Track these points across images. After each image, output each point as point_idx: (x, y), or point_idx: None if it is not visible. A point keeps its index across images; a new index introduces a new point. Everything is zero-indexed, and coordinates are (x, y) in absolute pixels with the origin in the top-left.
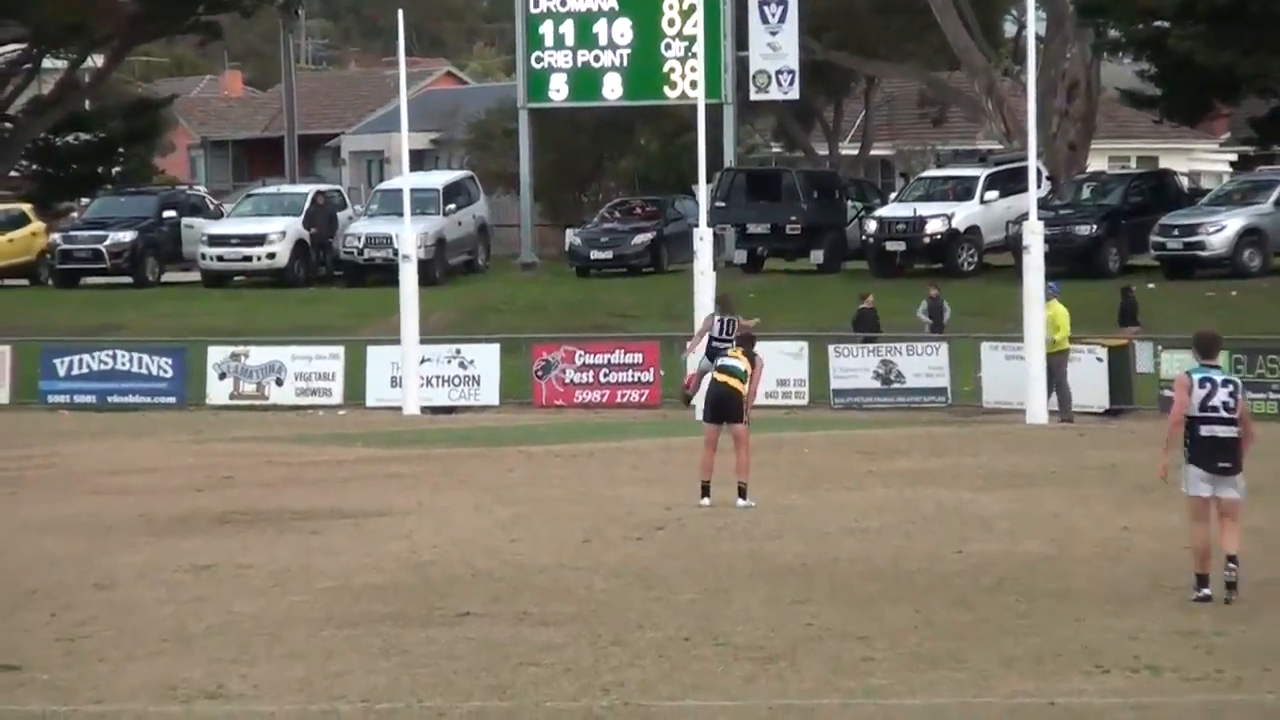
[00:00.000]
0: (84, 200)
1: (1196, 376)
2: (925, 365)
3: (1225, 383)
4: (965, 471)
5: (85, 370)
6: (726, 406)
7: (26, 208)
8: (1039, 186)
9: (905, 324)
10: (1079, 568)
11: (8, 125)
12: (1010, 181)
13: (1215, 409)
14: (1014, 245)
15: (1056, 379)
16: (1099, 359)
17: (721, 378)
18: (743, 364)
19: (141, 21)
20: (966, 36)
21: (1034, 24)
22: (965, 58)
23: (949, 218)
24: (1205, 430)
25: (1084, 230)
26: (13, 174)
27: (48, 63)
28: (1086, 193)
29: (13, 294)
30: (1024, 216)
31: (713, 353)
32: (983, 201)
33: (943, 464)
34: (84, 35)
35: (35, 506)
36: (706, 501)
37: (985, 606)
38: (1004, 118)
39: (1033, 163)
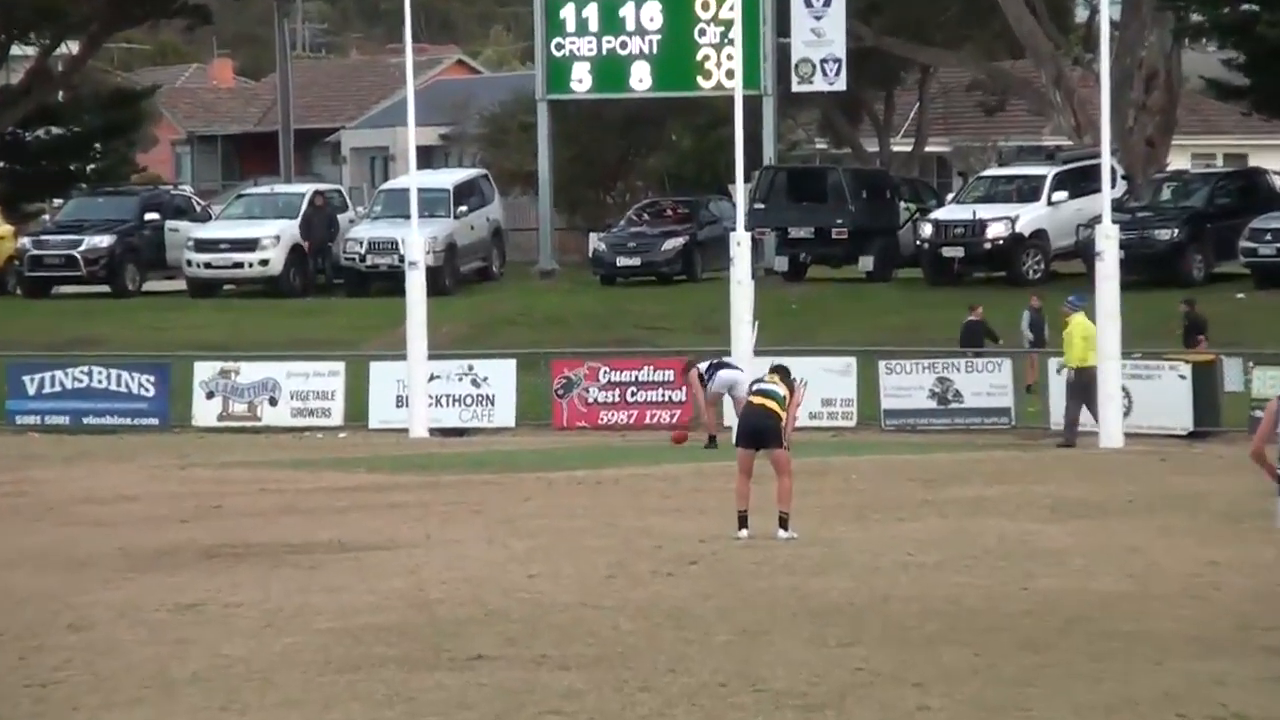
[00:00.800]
0: (57, 201)
1: None
2: (986, 383)
3: None
4: (1031, 500)
5: (58, 389)
6: (763, 432)
7: None
8: (1113, 186)
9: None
10: (1159, 606)
11: None
12: (1081, 181)
13: None
14: (1085, 251)
15: (1086, 398)
16: (1182, 376)
17: (758, 400)
18: (781, 389)
19: (122, 4)
20: (1032, 21)
21: (1108, 7)
22: (1030, 44)
23: (1012, 221)
24: None
25: (1164, 235)
26: None
27: (17, 49)
28: (1167, 193)
29: None
30: (1096, 220)
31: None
32: (1050, 203)
33: (1006, 492)
34: (58, 19)
35: (2, 539)
36: (744, 533)
37: (1054, 649)
38: (1074, 111)
39: (1106, 160)
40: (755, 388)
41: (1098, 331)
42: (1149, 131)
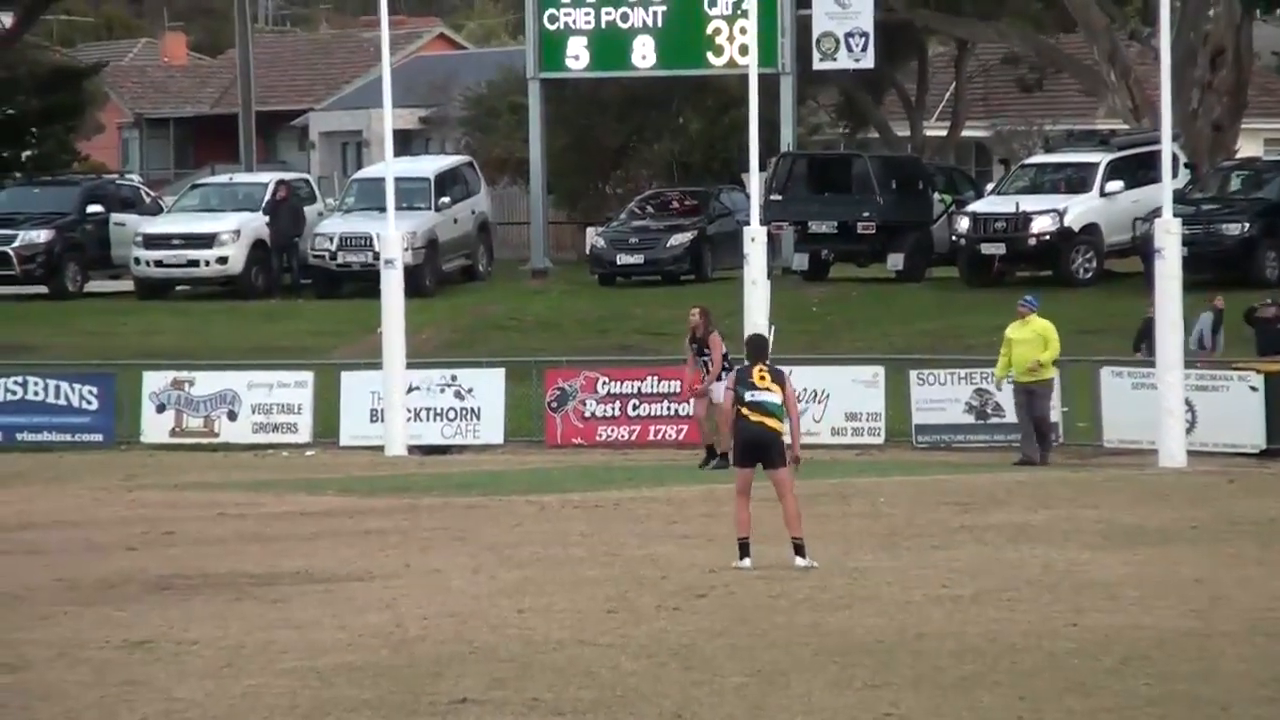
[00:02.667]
0: None
1: None
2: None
3: None
4: (1081, 526)
5: None
6: (766, 447)
7: None
8: (1175, 175)
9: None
10: (1226, 645)
11: None
12: (1138, 169)
13: None
14: (1143, 248)
15: (1040, 412)
16: (1253, 388)
17: (756, 418)
18: (774, 394)
19: None
20: None
21: None
22: (1082, 17)
23: (1060, 214)
24: None
25: (1233, 229)
26: None
27: None
28: (1236, 183)
29: None
30: (1156, 212)
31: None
32: (1103, 194)
33: (1052, 517)
34: None
35: None
36: (747, 563)
37: (1107, 692)
38: (1130, 91)
39: (1167, 146)
40: (747, 399)
41: (1158, 337)
42: (1215, 114)
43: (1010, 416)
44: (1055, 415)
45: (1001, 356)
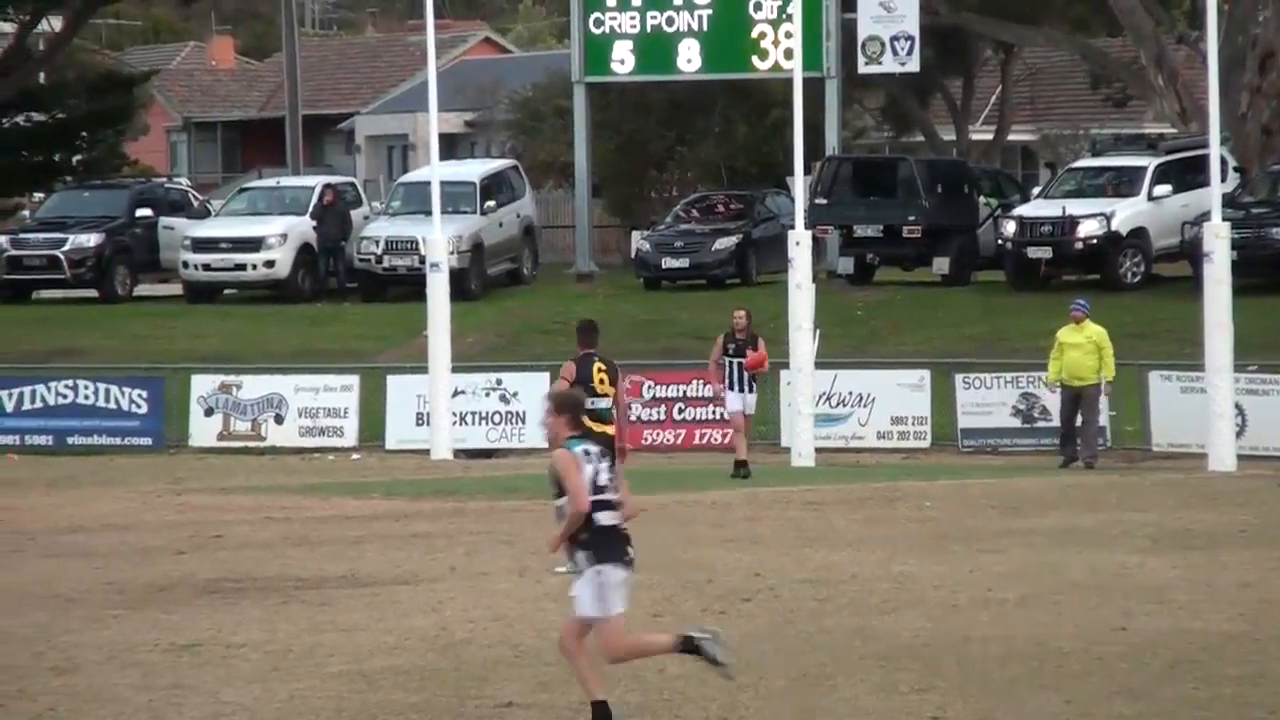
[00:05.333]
0: (38, 195)
1: None
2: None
3: None
4: (1128, 530)
5: (39, 405)
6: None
7: None
8: (1224, 179)
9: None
10: (1275, 649)
11: None
12: (1187, 173)
13: None
14: (1192, 252)
15: (1091, 414)
16: None
17: (599, 429)
18: (606, 397)
19: None
20: None
21: None
22: (1129, 21)
23: (1108, 218)
24: None
25: None
26: None
27: None
28: None
29: None
30: (1204, 216)
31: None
32: (1151, 198)
33: (1099, 521)
34: None
35: None
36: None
37: (1155, 696)
38: (1178, 95)
39: (1215, 150)
40: (588, 405)
41: (1206, 340)
42: (1265, 118)
43: (1058, 420)
44: (1103, 419)
45: (1053, 360)
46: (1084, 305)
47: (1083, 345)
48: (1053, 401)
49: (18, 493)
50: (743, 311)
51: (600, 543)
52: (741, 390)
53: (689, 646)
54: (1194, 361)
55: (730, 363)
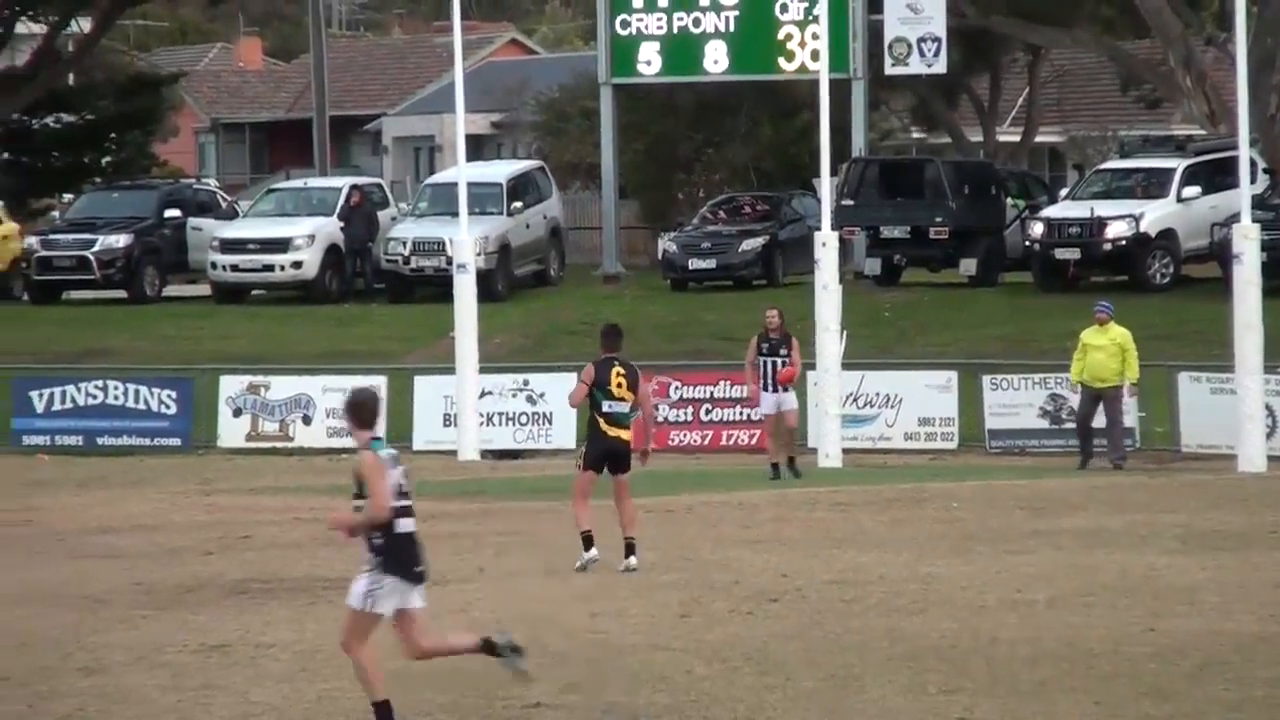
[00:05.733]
0: (67, 196)
1: None
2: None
3: None
4: (1158, 531)
5: (69, 405)
6: (617, 458)
7: None
8: (1253, 181)
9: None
10: None
11: None
12: (1216, 175)
13: None
14: (1221, 254)
15: (1115, 415)
16: None
17: (613, 432)
18: (625, 402)
19: None
20: None
21: None
22: (1157, 23)
23: (1136, 219)
24: None
25: None
26: None
27: (21, 27)
28: None
29: None
30: (1234, 218)
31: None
32: (1180, 199)
33: (1128, 522)
34: None
35: (7, 573)
36: (594, 553)
37: (1185, 697)
38: (1207, 96)
39: (1244, 151)
40: (605, 408)
41: (1236, 342)
42: None
43: None
44: (1131, 420)
45: (1076, 361)
46: (1108, 307)
47: (1106, 347)
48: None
49: (48, 493)
50: (775, 311)
51: (393, 551)
52: (775, 391)
53: (490, 648)
54: (1223, 363)
55: (764, 363)
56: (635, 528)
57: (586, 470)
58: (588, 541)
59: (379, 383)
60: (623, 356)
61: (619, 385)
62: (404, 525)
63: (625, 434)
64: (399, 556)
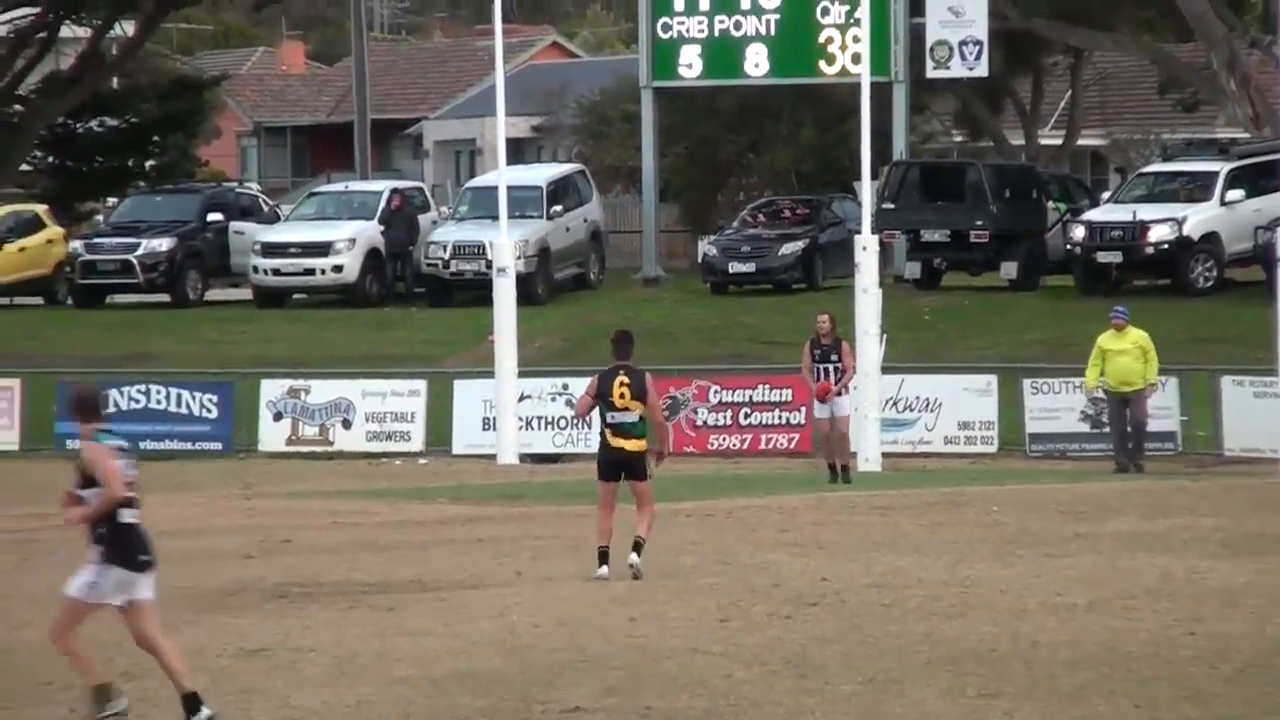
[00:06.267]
0: (111, 200)
1: None
2: (1148, 404)
3: None
4: (1199, 535)
5: (112, 409)
6: (629, 467)
7: (41, 210)
8: None
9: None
10: None
11: (17, 108)
12: (1260, 178)
13: None
14: (1265, 257)
15: (1140, 417)
16: None
17: (617, 442)
18: (634, 414)
19: None
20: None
21: None
22: (1200, 26)
23: (1179, 223)
24: None
25: None
26: (24, 168)
27: (66, 31)
28: None
29: (24, 315)
30: (1278, 221)
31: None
32: (1224, 203)
33: (1170, 525)
34: None
35: (51, 577)
36: (604, 570)
37: (1226, 700)
38: (1251, 99)
39: None
40: (609, 420)
41: (1276, 345)
42: None
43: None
44: (1174, 424)
45: (1092, 366)
46: (1124, 312)
47: (1129, 350)
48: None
49: None
50: (826, 316)
51: (117, 541)
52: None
53: (189, 704)
54: (1267, 367)
55: (818, 369)
56: (646, 530)
57: (600, 481)
58: (602, 557)
59: (419, 387)
60: (631, 364)
61: (621, 396)
62: (127, 516)
63: (632, 444)
64: (123, 547)
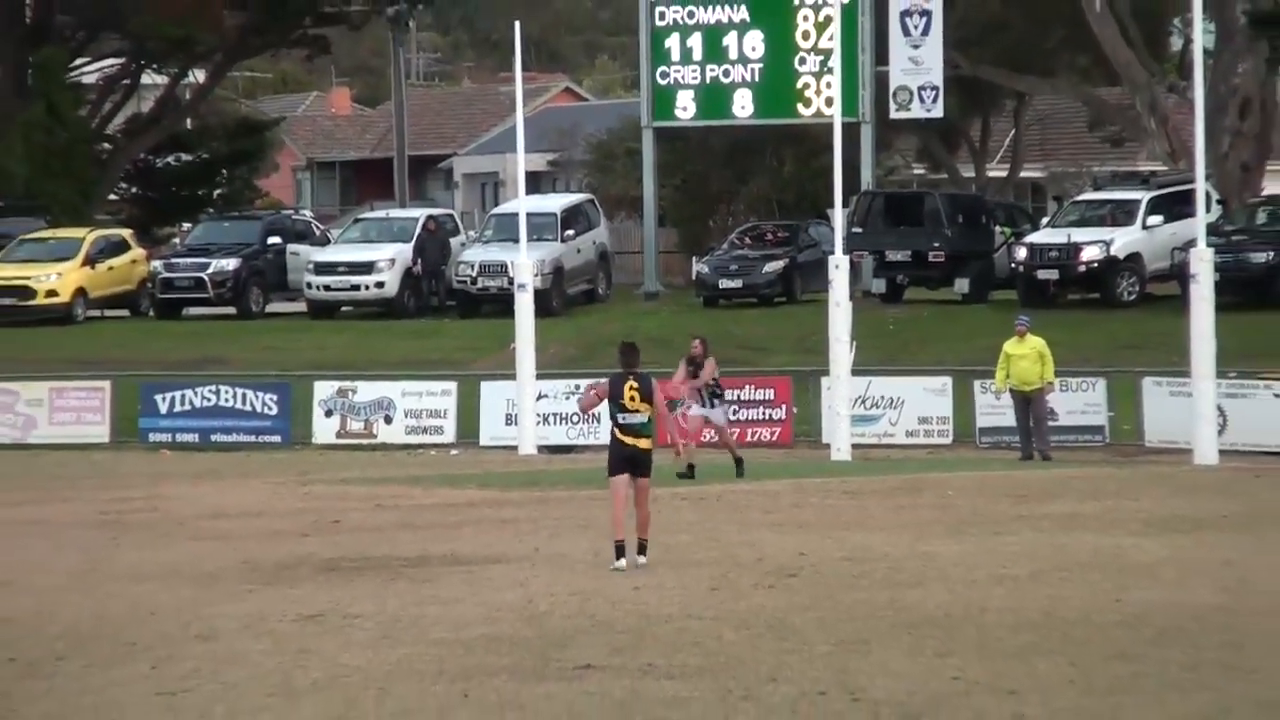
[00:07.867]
0: (186, 225)
1: None
2: (1080, 401)
3: None
4: (1124, 516)
5: (187, 407)
6: (637, 463)
7: (127, 234)
8: (1208, 210)
9: (1061, 358)
10: (1254, 620)
11: (106, 145)
12: (1176, 205)
13: None
14: (1180, 274)
15: (1041, 411)
16: (1278, 395)
17: (630, 441)
18: (643, 415)
19: (246, 35)
20: (1127, 50)
21: (1201, 37)
22: (1126, 73)
23: (1107, 244)
24: None
25: (1259, 257)
26: (111, 197)
27: (147, 78)
28: (1263, 217)
29: (113, 325)
30: (1191, 243)
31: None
32: (1145, 227)
33: (1099, 507)
34: (187, 49)
35: (136, 552)
36: (622, 563)
37: (1148, 659)
38: (1168, 137)
39: (1201, 184)
40: (620, 421)
41: (1192, 350)
42: (1244, 157)
43: (1063, 420)
44: (1101, 419)
45: (999, 369)
46: (1027, 320)
47: (1029, 355)
48: (1058, 402)
49: (170, 484)
50: (699, 341)
51: None
52: (704, 406)
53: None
54: (1181, 369)
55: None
56: (648, 531)
57: (612, 475)
58: (619, 550)
59: (450, 388)
60: (638, 371)
61: (632, 399)
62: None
63: (642, 442)
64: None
